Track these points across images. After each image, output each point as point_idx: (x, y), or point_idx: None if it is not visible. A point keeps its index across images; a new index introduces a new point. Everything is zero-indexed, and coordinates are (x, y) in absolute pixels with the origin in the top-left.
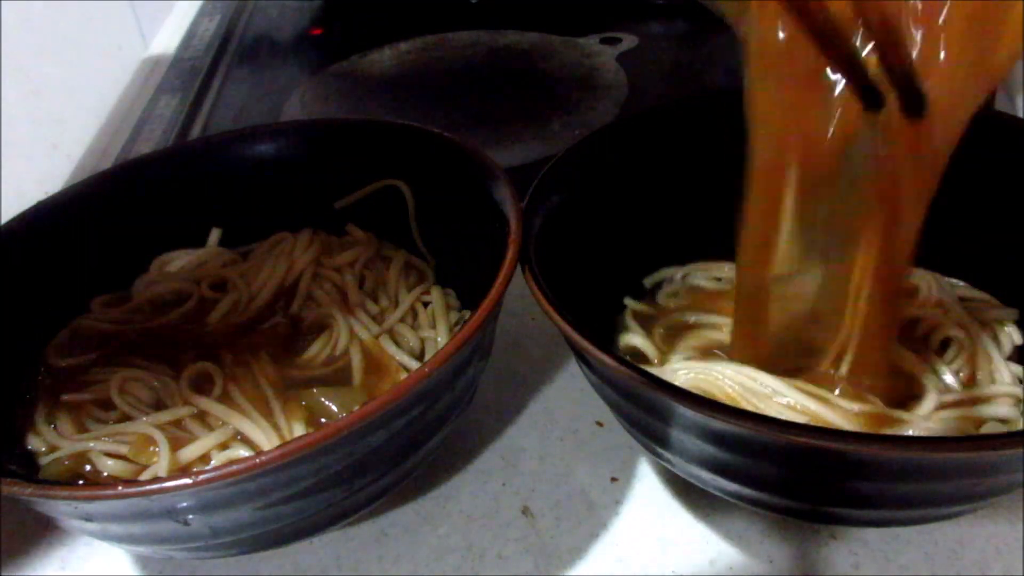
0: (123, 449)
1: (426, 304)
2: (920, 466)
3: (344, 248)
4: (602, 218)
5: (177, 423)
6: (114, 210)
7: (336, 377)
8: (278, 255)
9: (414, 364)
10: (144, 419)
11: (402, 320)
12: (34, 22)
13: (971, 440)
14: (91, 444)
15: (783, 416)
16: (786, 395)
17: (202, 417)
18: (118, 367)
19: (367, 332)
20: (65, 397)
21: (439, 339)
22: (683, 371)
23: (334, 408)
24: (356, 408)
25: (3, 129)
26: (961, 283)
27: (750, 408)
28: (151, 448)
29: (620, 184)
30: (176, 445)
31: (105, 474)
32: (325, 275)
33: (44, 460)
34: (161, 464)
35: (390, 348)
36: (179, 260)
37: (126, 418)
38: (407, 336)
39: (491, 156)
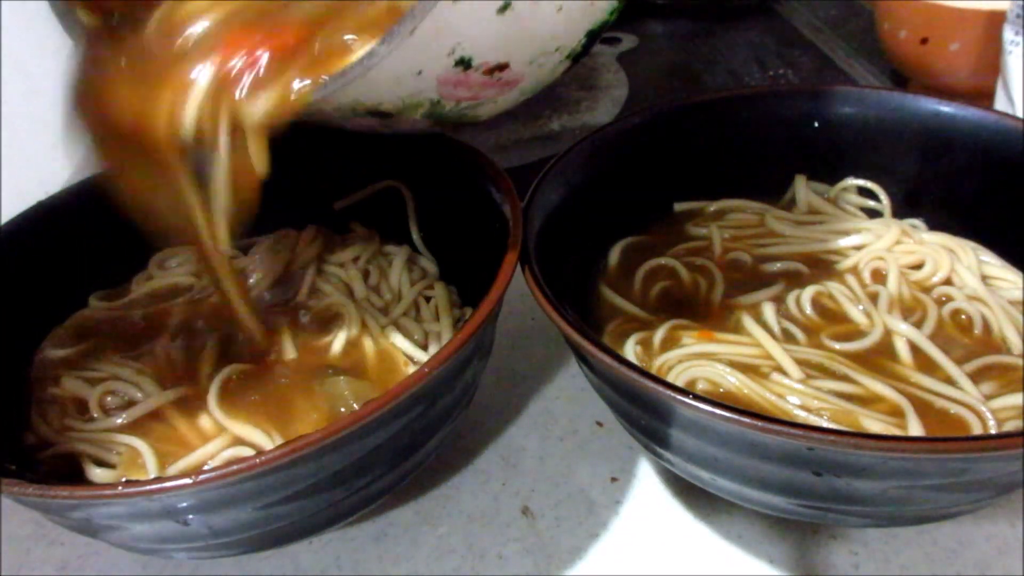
0: (114, 458)
1: (428, 299)
2: (920, 465)
3: (347, 245)
4: (602, 218)
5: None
6: (114, 210)
7: (348, 368)
8: (279, 250)
9: (420, 354)
10: (136, 437)
11: (405, 314)
12: (34, 21)
13: (971, 440)
14: (81, 447)
15: (787, 410)
16: (793, 391)
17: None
18: (115, 353)
19: (375, 324)
20: (51, 391)
21: (443, 332)
22: (682, 367)
23: (351, 400)
24: (369, 400)
25: (3, 129)
26: (995, 262)
27: (751, 399)
28: (139, 461)
29: (620, 184)
30: (172, 455)
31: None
32: (329, 271)
33: (41, 455)
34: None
35: (397, 339)
36: (177, 256)
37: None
38: (412, 329)
39: (491, 156)
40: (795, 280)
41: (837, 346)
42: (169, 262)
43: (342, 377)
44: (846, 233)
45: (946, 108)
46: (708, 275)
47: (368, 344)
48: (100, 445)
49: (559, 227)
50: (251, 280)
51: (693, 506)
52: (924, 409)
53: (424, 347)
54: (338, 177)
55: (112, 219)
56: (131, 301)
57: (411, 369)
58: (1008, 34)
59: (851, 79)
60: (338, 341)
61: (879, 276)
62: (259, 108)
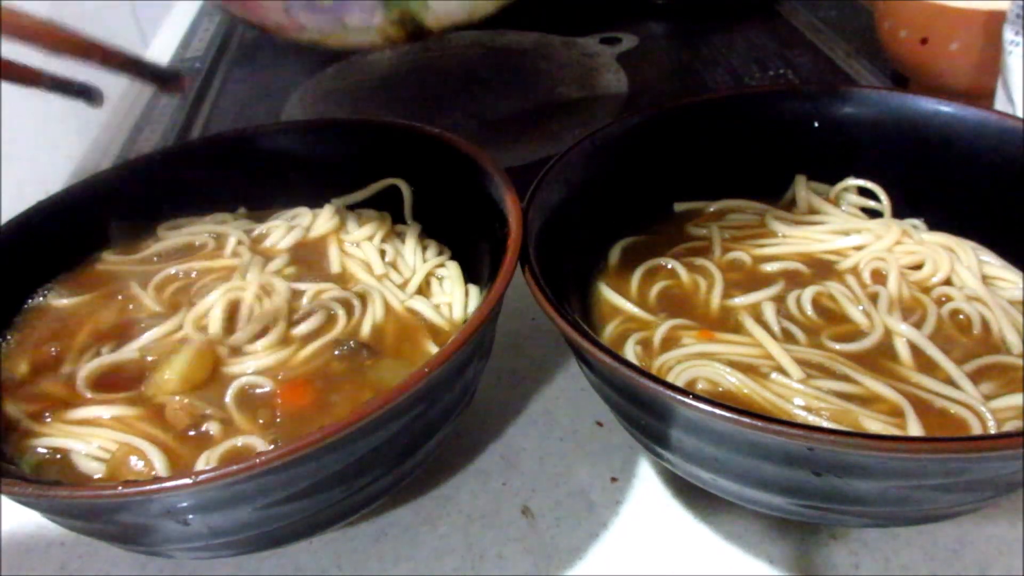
0: (102, 454)
1: (438, 279)
2: (920, 466)
3: (362, 223)
4: (602, 218)
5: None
6: (113, 211)
7: (377, 346)
8: (296, 225)
9: (442, 321)
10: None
11: (419, 291)
12: None
13: (971, 440)
14: (72, 444)
15: (787, 410)
16: (792, 391)
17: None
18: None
19: (397, 301)
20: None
21: (455, 305)
22: (682, 367)
23: (388, 380)
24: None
25: (3, 129)
26: (995, 262)
27: (751, 399)
28: (131, 460)
29: (620, 184)
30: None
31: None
32: (346, 250)
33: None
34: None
35: (419, 306)
36: (187, 225)
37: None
38: (426, 305)
39: (491, 156)
40: (795, 280)
41: (837, 346)
42: (179, 229)
43: (383, 362)
44: (846, 233)
45: (946, 108)
46: (708, 275)
47: (391, 322)
48: (94, 442)
49: (559, 227)
50: (268, 243)
51: (693, 506)
52: (924, 409)
53: None
54: (337, 177)
55: (112, 220)
56: (145, 257)
57: (432, 347)
58: (1008, 34)
59: (851, 79)
60: (367, 323)
61: (879, 276)
62: None
